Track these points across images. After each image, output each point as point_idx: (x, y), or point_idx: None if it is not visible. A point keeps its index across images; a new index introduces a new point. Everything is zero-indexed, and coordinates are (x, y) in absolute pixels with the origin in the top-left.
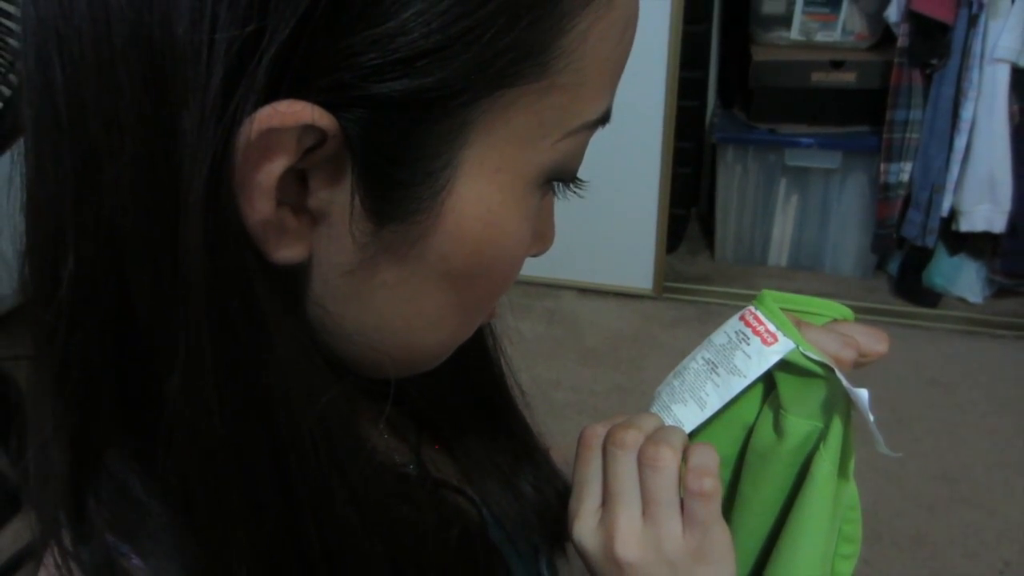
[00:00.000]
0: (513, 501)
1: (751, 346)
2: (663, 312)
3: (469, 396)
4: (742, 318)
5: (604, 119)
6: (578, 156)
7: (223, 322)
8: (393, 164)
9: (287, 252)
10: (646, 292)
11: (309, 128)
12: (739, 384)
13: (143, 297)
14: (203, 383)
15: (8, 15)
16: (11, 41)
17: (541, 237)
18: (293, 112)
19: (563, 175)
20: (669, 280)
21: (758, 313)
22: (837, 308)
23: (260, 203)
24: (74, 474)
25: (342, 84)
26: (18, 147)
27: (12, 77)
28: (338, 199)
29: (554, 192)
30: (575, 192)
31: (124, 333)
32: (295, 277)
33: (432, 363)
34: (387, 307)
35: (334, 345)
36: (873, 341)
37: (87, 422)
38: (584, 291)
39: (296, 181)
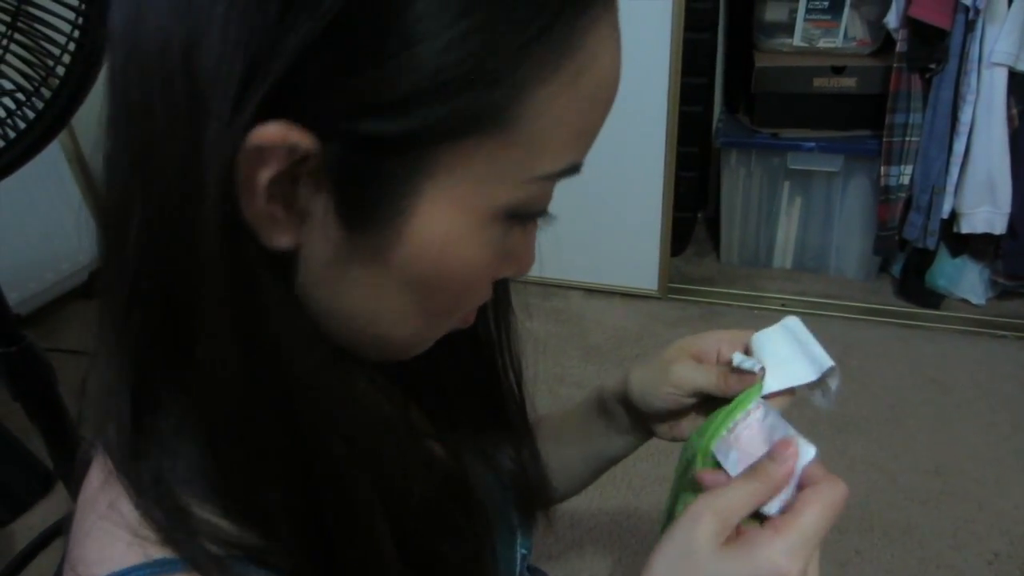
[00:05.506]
0: (490, 473)
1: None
2: (667, 312)
3: (458, 376)
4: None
5: (571, 171)
6: (541, 199)
7: (235, 296)
8: (363, 186)
9: (280, 240)
10: (651, 293)
11: (295, 147)
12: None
13: (176, 267)
14: (219, 341)
15: (48, 38)
16: (48, 47)
17: (516, 259)
18: (278, 134)
19: (525, 214)
20: (674, 281)
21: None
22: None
23: (254, 200)
24: (135, 401)
25: (327, 117)
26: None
27: (44, 91)
28: (317, 205)
29: (534, 223)
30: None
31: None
32: (289, 262)
33: (407, 354)
34: (357, 299)
35: (320, 325)
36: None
37: (144, 364)
38: (591, 291)
39: (289, 182)
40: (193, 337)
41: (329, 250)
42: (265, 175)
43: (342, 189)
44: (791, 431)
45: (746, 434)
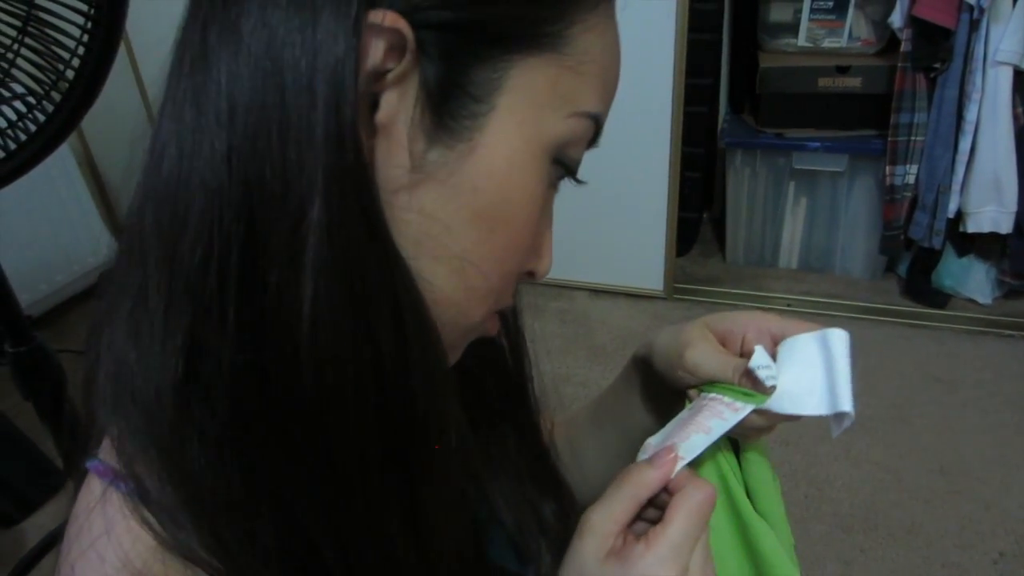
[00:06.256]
0: (538, 531)
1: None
2: (672, 312)
3: (500, 423)
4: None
5: (597, 126)
6: (580, 145)
7: (344, 209)
8: (448, 88)
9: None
10: (657, 293)
11: (398, 39)
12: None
13: (276, 167)
14: (341, 221)
15: (58, 42)
16: (59, 51)
17: (538, 253)
18: (391, 18)
19: (567, 159)
20: (680, 282)
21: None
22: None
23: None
24: (184, 371)
25: (419, 6)
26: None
27: (55, 94)
28: (401, 115)
29: (556, 188)
30: (579, 181)
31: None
32: None
33: (454, 331)
34: (420, 237)
35: None
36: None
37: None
38: (596, 292)
39: (370, 102)
40: (274, 278)
41: (401, 172)
42: (367, 62)
43: (429, 88)
44: (700, 447)
45: (705, 414)
